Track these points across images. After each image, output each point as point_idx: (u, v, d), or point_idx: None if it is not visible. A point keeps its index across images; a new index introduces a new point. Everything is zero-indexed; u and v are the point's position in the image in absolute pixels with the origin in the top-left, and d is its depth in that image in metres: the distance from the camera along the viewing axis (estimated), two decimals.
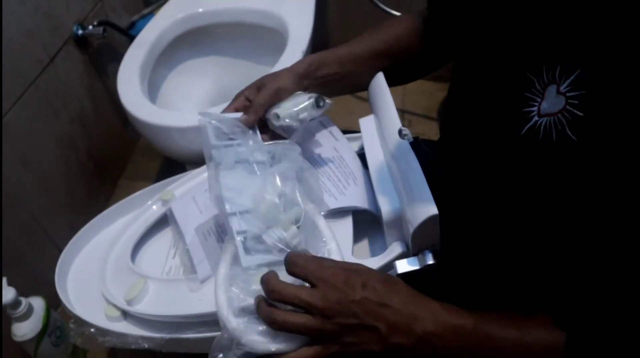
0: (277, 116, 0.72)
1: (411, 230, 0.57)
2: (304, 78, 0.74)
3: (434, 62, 0.85)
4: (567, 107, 0.46)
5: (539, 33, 0.50)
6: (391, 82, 0.79)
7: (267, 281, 0.51)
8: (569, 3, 0.47)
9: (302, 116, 0.72)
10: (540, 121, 0.48)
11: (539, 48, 0.50)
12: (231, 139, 0.71)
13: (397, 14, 1.52)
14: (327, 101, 0.73)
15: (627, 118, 0.42)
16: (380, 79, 0.79)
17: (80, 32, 1.31)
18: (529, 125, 0.50)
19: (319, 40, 1.67)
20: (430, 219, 0.54)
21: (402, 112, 1.81)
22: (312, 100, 0.72)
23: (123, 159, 1.67)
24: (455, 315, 0.51)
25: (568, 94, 0.46)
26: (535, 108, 0.49)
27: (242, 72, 1.41)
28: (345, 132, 0.85)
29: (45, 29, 1.19)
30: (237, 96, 0.76)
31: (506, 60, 0.54)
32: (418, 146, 0.91)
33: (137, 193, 0.89)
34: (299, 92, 0.74)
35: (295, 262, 0.52)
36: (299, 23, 1.21)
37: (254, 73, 1.38)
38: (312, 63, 0.75)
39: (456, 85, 0.69)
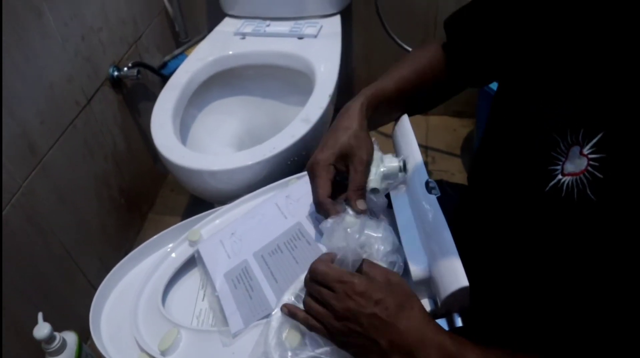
0: (378, 191, 0.69)
1: (441, 298, 0.57)
2: (365, 127, 0.70)
3: (453, 89, 0.86)
4: (589, 168, 0.48)
5: (564, 95, 0.53)
6: (416, 111, 0.81)
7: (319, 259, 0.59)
8: (594, 72, 0.49)
9: (388, 181, 0.70)
10: (564, 179, 0.51)
11: (564, 110, 0.52)
12: None
13: None
14: (409, 164, 0.70)
15: None
16: (405, 123, 0.80)
17: (115, 74, 1.37)
18: (552, 183, 0.52)
19: (345, 77, 1.71)
20: (460, 290, 0.55)
21: (425, 148, 1.83)
22: (400, 163, 0.70)
23: (152, 194, 1.72)
24: (464, 351, 0.52)
25: (590, 156, 0.48)
26: (559, 167, 0.52)
27: (269, 112, 1.45)
28: None
29: (84, 72, 1.25)
30: (322, 168, 0.68)
31: (534, 118, 0.57)
32: (443, 189, 0.93)
33: (165, 231, 0.91)
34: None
35: (316, 269, 0.58)
36: (326, 66, 1.25)
37: (281, 113, 1.44)
38: (363, 107, 0.71)
39: (488, 135, 0.71)
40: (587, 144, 0.49)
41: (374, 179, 0.69)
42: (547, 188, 0.52)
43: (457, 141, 1.85)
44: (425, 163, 1.79)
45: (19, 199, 1.04)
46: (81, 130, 1.26)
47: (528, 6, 0.62)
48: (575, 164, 0.50)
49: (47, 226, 1.13)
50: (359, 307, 0.53)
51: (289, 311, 0.61)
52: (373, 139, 0.71)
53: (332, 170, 0.67)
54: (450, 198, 0.90)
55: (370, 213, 0.68)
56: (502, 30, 0.68)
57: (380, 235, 0.64)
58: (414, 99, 0.79)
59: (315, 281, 0.58)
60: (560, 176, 0.51)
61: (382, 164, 0.70)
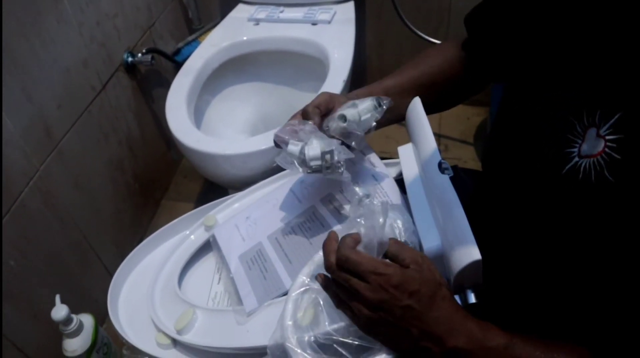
0: (344, 118, 0.71)
1: (453, 272, 0.58)
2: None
3: (473, 88, 0.87)
4: (606, 149, 0.48)
5: (580, 79, 0.53)
6: (432, 110, 0.80)
7: (345, 245, 0.56)
8: (611, 54, 0.49)
9: (365, 117, 0.72)
10: (581, 162, 0.51)
11: (580, 93, 0.52)
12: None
13: (433, 40, 1.53)
14: (385, 100, 0.73)
15: None
16: (417, 105, 0.81)
17: (130, 59, 1.38)
18: (569, 165, 0.52)
19: (358, 64, 1.71)
20: (473, 264, 0.55)
21: (438, 136, 1.82)
22: (373, 101, 0.72)
23: (166, 180, 1.73)
24: (490, 336, 0.53)
25: (607, 138, 0.48)
26: (576, 149, 0.52)
27: (283, 98, 1.45)
28: (382, 158, 0.87)
29: (99, 58, 1.26)
30: (295, 114, 0.78)
31: (549, 102, 0.57)
32: (457, 175, 0.92)
33: (181, 217, 0.92)
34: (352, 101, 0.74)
35: (348, 258, 0.54)
36: (340, 52, 1.25)
37: (295, 99, 1.43)
38: (359, 94, 0.77)
39: (501, 121, 0.71)
40: (604, 125, 0.48)
41: (345, 109, 0.72)
42: (564, 171, 0.52)
43: (470, 129, 1.85)
44: (439, 151, 1.78)
45: (37, 182, 1.05)
46: (96, 115, 1.27)
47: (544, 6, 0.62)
48: (593, 146, 0.49)
49: (63, 210, 1.14)
50: (393, 300, 0.52)
51: (322, 281, 0.60)
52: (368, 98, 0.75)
53: (299, 114, 0.77)
54: (464, 183, 0.90)
55: (342, 138, 0.73)
56: (522, 23, 0.67)
57: (401, 217, 0.65)
58: (426, 99, 0.79)
59: (346, 269, 0.55)
60: (577, 159, 0.51)
61: (357, 105, 0.73)
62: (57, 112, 1.11)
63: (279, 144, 0.72)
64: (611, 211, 0.48)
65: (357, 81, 1.89)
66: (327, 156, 0.68)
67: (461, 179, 0.91)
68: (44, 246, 1.08)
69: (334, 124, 0.72)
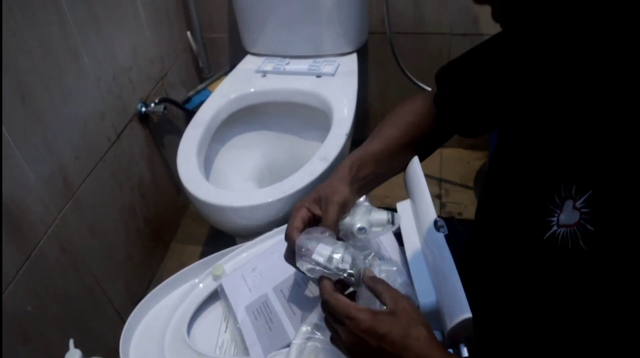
0: (364, 230, 0.73)
1: (447, 328, 0.62)
2: (353, 183, 0.78)
3: (446, 137, 0.91)
4: (581, 221, 0.52)
5: (556, 154, 0.57)
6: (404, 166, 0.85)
7: (323, 289, 0.62)
8: (580, 134, 0.54)
9: (376, 229, 0.74)
10: (559, 230, 0.55)
11: (557, 168, 0.57)
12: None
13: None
14: (397, 219, 0.75)
15: (630, 235, 0.49)
16: (415, 165, 0.86)
17: (143, 109, 1.45)
18: (549, 232, 0.56)
19: (361, 110, 1.77)
20: (464, 321, 0.59)
21: (439, 180, 1.88)
22: (388, 216, 0.74)
23: (175, 223, 1.78)
24: None
25: (582, 210, 0.52)
26: (555, 218, 0.56)
27: (289, 147, 1.51)
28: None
29: (115, 109, 1.33)
30: (298, 209, 0.75)
31: (531, 171, 0.61)
32: (453, 226, 0.97)
33: (191, 266, 0.96)
34: (360, 201, 0.78)
35: (327, 302, 0.61)
36: (342, 106, 1.31)
37: (300, 148, 1.50)
38: (353, 167, 0.79)
39: (491, 176, 0.76)
40: (579, 199, 0.53)
41: (361, 220, 0.74)
42: (545, 237, 0.56)
43: (470, 174, 1.90)
44: (439, 195, 1.84)
45: (54, 231, 1.10)
46: (110, 164, 1.33)
47: (515, 64, 0.67)
48: (569, 217, 0.54)
49: (78, 256, 1.20)
50: (364, 343, 0.57)
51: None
52: (364, 197, 0.78)
53: (306, 212, 0.74)
54: (460, 234, 0.94)
55: (357, 250, 0.71)
56: (492, 83, 0.72)
57: (394, 268, 0.69)
58: (404, 155, 0.84)
59: (327, 312, 0.62)
60: (555, 227, 0.55)
61: (371, 213, 0.75)
62: (74, 163, 1.17)
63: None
64: (586, 277, 0.53)
65: (361, 127, 1.95)
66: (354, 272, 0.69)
67: (457, 230, 0.96)
68: (59, 292, 1.13)
69: (345, 228, 0.74)
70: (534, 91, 0.62)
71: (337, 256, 0.66)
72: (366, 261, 0.71)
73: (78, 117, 1.18)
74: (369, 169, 0.80)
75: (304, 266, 0.66)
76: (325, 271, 0.65)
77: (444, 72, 0.84)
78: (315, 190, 0.77)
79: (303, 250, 0.66)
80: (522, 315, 0.65)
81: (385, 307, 0.59)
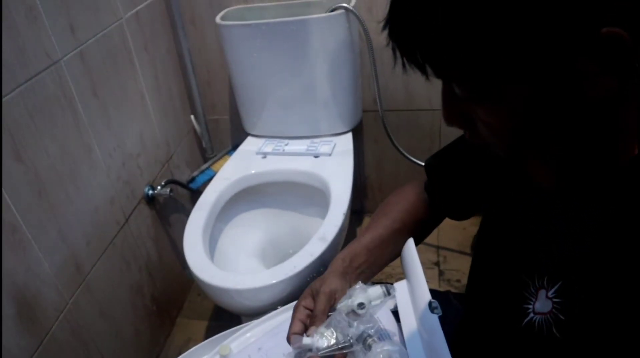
0: (363, 305, 0.78)
1: None
2: (346, 274, 0.83)
3: (438, 222, 0.97)
4: (553, 310, 0.57)
5: (529, 245, 0.63)
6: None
7: None
8: (549, 229, 0.60)
9: (375, 303, 0.80)
10: (535, 317, 0.60)
11: (530, 259, 0.62)
12: None
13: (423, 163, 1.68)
14: (392, 289, 0.81)
15: (598, 324, 0.54)
16: (410, 247, 0.91)
17: (150, 192, 1.52)
18: (527, 319, 0.61)
19: (359, 181, 1.85)
20: None
21: (437, 248, 1.92)
22: (383, 288, 0.80)
23: (181, 299, 1.82)
24: None
25: (554, 300, 0.57)
26: (531, 306, 0.61)
27: (289, 223, 1.57)
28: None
29: (123, 194, 1.40)
30: (296, 309, 0.80)
31: (508, 259, 0.66)
32: (449, 301, 1.02)
33: (198, 346, 0.99)
34: (355, 285, 0.81)
35: None
36: (339, 185, 1.38)
37: (300, 223, 1.56)
38: (345, 259, 0.85)
39: (476, 265, 0.81)
40: (550, 288, 0.58)
41: (358, 298, 0.78)
42: (523, 323, 0.61)
43: (467, 240, 1.94)
44: (437, 263, 1.88)
45: (66, 315, 1.15)
46: (119, 247, 1.39)
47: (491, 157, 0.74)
48: (543, 305, 0.59)
49: (88, 338, 1.24)
50: None
51: None
52: (359, 282, 0.81)
53: (303, 311, 0.79)
54: (457, 311, 0.99)
55: (355, 323, 0.77)
56: (475, 172, 0.80)
57: (397, 348, 0.74)
58: (397, 241, 0.89)
59: None
60: (532, 315, 0.60)
61: (367, 291, 0.80)
62: (86, 249, 1.23)
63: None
64: None
65: (358, 197, 2.02)
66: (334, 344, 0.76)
67: (454, 307, 1.01)
68: None
69: (346, 309, 0.78)
70: (510, 182, 0.68)
71: (317, 339, 0.74)
72: (367, 341, 0.77)
73: (89, 205, 1.25)
74: (362, 258, 0.86)
75: None
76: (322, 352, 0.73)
77: (432, 162, 0.91)
78: (308, 287, 0.82)
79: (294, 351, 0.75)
80: None
81: None
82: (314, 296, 0.80)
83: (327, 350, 0.73)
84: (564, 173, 0.57)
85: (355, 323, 0.76)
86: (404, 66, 0.48)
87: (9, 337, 0.99)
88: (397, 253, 0.92)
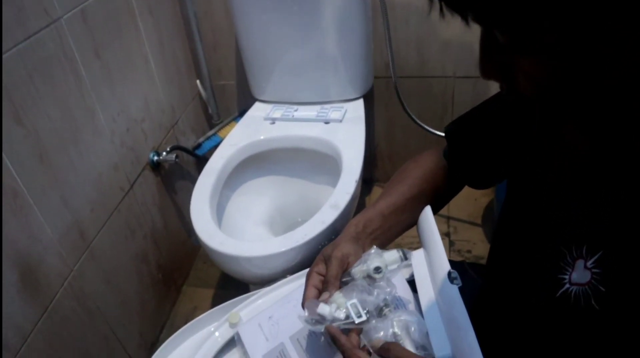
0: (379, 269, 0.75)
1: None
2: (358, 239, 0.80)
3: (457, 190, 0.94)
4: (592, 281, 0.54)
5: (566, 214, 0.59)
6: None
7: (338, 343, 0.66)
8: (590, 191, 0.56)
9: (392, 267, 0.77)
10: (571, 288, 0.56)
11: (567, 228, 0.58)
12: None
13: (437, 132, 1.63)
14: (408, 253, 0.78)
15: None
16: (428, 215, 0.87)
17: (155, 158, 1.48)
18: (562, 290, 0.57)
19: (368, 151, 1.80)
20: None
21: (447, 218, 1.89)
22: (399, 253, 0.77)
23: (187, 267, 1.80)
24: None
25: (593, 270, 0.54)
26: (567, 276, 0.57)
27: (298, 191, 1.54)
28: None
29: (128, 160, 1.36)
30: (309, 276, 0.78)
31: (543, 229, 0.63)
32: (465, 271, 0.98)
33: (206, 313, 0.97)
34: (366, 254, 0.78)
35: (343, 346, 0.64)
36: (351, 152, 1.34)
37: (309, 191, 1.52)
38: (358, 224, 0.81)
39: (503, 225, 0.77)
40: (590, 259, 0.54)
41: (374, 262, 0.75)
42: (558, 294, 0.57)
43: (478, 211, 1.91)
44: (448, 233, 1.85)
45: (70, 282, 1.12)
46: (124, 213, 1.35)
47: (521, 120, 0.69)
48: (581, 276, 0.55)
49: (93, 306, 1.21)
50: None
51: None
52: (373, 247, 0.78)
53: (316, 277, 0.77)
54: (473, 281, 0.96)
55: (375, 291, 0.74)
56: (500, 139, 0.75)
57: (415, 319, 0.71)
58: (413, 208, 0.86)
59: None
60: (568, 285, 0.56)
61: (383, 255, 0.77)
62: (90, 215, 1.20)
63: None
64: (599, 336, 0.54)
65: (367, 167, 1.98)
66: (353, 309, 0.72)
67: (469, 277, 0.97)
68: (75, 342, 1.14)
69: (360, 274, 0.75)
70: (541, 149, 0.64)
71: (334, 310, 0.71)
72: (383, 311, 0.73)
73: (93, 171, 1.22)
74: (376, 224, 0.82)
75: (310, 326, 0.72)
76: (337, 324, 0.70)
77: (453, 128, 0.87)
78: (320, 253, 0.80)
79: (309, 317, 0.71)
80: None
81: None
82: (326, 262, 0.77)
83: (343, 323, 0.70)
84: (600, 138, 0.54)
85: (375, 292, 0.73)
86: (441, 10, 0.43)
87: (13, 305, 0.97)
88: (413, 222, 0.88)
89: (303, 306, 0.74)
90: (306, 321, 0.72)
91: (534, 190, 0.66)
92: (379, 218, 0.83)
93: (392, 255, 0.78)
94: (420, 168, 0.90)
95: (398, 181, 0.90)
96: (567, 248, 0.58)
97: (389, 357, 0.64)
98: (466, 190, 1.99)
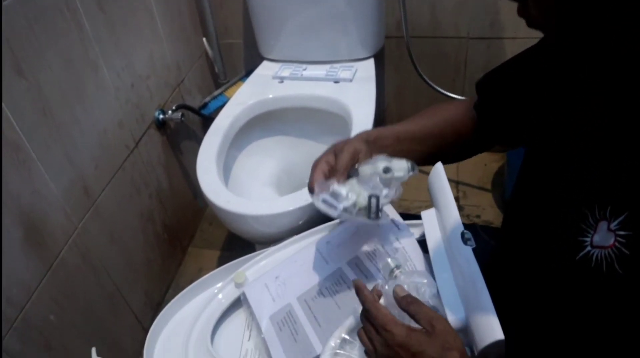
0: (388, 169, 0.74)
1: (477, 348, 0.61)
2: (368, 144, 0.79)
3: (480, 147, 0.91)
4: (616, 244, 0.51)
5: (590, 174, 0.56)
6: (437, 161, 0.84)
7: (366, 299, 0.64)
8: (616, 152, 0.53)
9: (398, 174, 0.75)
10: (593, 251, 0.54)
11: (591, 188, 0.56)
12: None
13: (449, 94, 1.59)
14: (416, 167, 0.76)
15: None
16: (439, 172, 0.85)
17: (161, 117, 1.45)
18: (582, 253, 0.55)
19: (377, 112, 1.76)
20: (496, 343, 0.58)
21: (456, 183, 1.86)
22: (408, 163, 0.76)
23: (192, 227, 1.79)
24: None
25: (617, 233, 0.51)
26: (588, 239, 0.55)
27: (306, 152, 1.50)
28: (406, 217, 0.91)
29: (133, 117, 1.34)
30: (317, 162, 0.79)
31: (564, 190, 0.60)
32: (477, 234, 0.96)
33: (212, 273, 0.96)
34: (376, 156, 0.76)
35: (368, 311, 0.62)
36: (361, 112, 1.30)
37: (317, 152, 1.48)
38: (371, 134, 0.81)
39: (521, 188, 0.75)
40: (614, 220, 0.51)
41: (384, 162, 0.74)
42: (578, 257, 0.55)
43: (487, 176, 1.88)
44: (457, 198, 1.83)
45: (75, 240, 1.11)
46: (129, 171, 1.33)
47: (552, 76, 0.66)
48: (604, 239, 0.52)
49: (98, 263, 1.20)
50: (397, 357, 0.58)
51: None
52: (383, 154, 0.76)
53: (324, 164, 0.78)
54: (486, 244, 0.94)
55: (379, 190, 0.73)
56: (530, 95, 0.72)
57: (425, 280, 0.69)
58: (430, 144, 0.84)
59: (368, 320, 0.63)
60: (589, 248, 0.54)
61: (392, 161, 0.75)
62: (94, 172, 1.18)
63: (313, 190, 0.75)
64: (621, 300, 0.52)
65: (376, 127, 1.94)
66: (373, 200, 0.71)
67: (482, 240, 0.95)
68: (80, 300, 1.14)
69: (369, 170, 0.74)
70: (570, 106, 0.62)
71: (347, 192, 0.71)
72: (394, 273, 0.71)
73: (97, 127, 1.19)
74: (388, 142, 0.82)
75: (322, 204, 0.71)
76: (343, 204, 0.70)
77: (484, 80, 0.84)
78: (331, 146, 0.80)
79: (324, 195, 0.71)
80: (550, 333, 0.64)
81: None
82: (337, 153, 0.77)
83: (356, 211, 0.70)
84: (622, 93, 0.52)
85: (385, 191, 0.72)
86: None
87: (18, 261, 0.96)
88: (423, 158, 0.85)
89: (311, 190, 0.75)
90: (323, 200, 0.71)
91: (556, 151, 0.63)
92: (393, 137, 0.82)
93: (400, 162, 0.76)
94: (447, 111, 0.88)
95: (422, 115, 0.88)
96: (589, 209, 0.55)
97: (408, 309, 0.62)
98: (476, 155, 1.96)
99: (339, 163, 0.75)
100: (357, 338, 0.67)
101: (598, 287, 0.53)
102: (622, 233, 0.51)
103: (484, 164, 1.92)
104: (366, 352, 0.64)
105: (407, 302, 0.63)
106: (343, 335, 0.70)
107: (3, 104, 0.90)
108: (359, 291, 0.66)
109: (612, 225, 0.52)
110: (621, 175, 0.52)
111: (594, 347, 0.57)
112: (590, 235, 0.54)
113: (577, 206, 0.57)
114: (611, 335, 0.54)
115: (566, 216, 0.58)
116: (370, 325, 0.62)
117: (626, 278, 0.50)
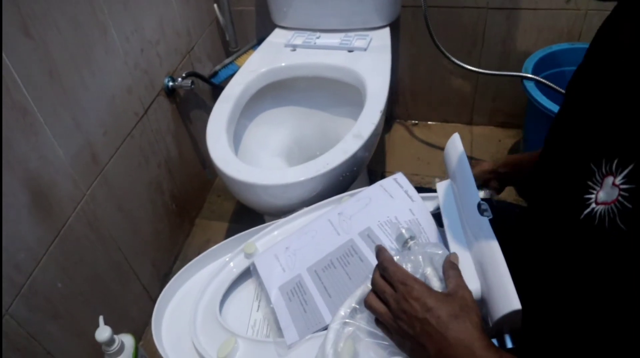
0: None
1: (493, 318, 0.60)
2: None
3: None
4: (619, 198, 0.49)
5: (602, 127, 0.55)
6: None
7: (384, 257, 0.64)
8: (629, 103, 0.51)
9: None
10: (597, 208, 0.52)
11: (601, 141, 0.54)
12: None
13: (465, 65, 1.54)
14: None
15: None
16: (456, 142, 0.83)
17: (170, 84, 1.42)
18: (587, 211, 0.54)
19: (390, 84, 1.73)
20: (512, 313, 0.57)
21: (470, 159, 1.82)
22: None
23: (201, 199, 1.77)
24: None
25: (621, 187, 0.50)
26: (593, 196, 0.53)
27: (318, 122, 1.48)
28: (419, 190, 0.89)
29: (142, 84, 1.31)
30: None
31: (576, 147, 0.59)
32: (492, 208, 0.94)
33: (222, 243, 0.95)
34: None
35: (387, 267, 0.62)
36: (376, 81, 1.26)
37: (330, 123, 1.46)
38: (507, 164, 0.92)
39: (544, 160, 0.73)
40: (619, 174, 0.50)
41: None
42: (582, 216, 0.54)
43: (501, 152, 1.84)
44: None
45: (83, 207, 1.09)
46: (138, 139, 1.31)
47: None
48: (608, 194, 0.51)
49: (106, 232, 1.19)
50: (412, 310, 0.57)
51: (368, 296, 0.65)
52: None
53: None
54: (508, 207, 0.92)
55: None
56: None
57: (440, 252, 0.67)
58: None
59: (383, 277, 0.63)
60: (594, 205, 0.53)
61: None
62: (102, 139, 1.16)
63: None
64: (624, 257, 0.50)
65: (388, 101, 1.91)
66: None
67: (506, 205, 0.93)
68: (88, 268, 1.13)
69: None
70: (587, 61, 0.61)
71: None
72: (408, 244, 0.69)
73: (106, 92, 1.16)
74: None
75: None
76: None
77: None
78: None
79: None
80: (559, 298, 0.62)
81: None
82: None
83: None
84: None
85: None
86: None
87: (25, 227, 0.94)
88: None
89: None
90: None
91: (572, 106, 0.62)
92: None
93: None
94: None
95: None
96: (597, 165, 0.54)
97: (448, 272, 0.63)
98: (490, 130, 1.93)
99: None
100: None
101: (602, 246, 0.52)
102: (625, 186, 0.49)
103: (497, 140, 1.88)
104: (376, 320, 0.63)
105: (451, 265, 0.64)
106: (353, 305, 0.68)
107: (9, 64, 0.88)
108: (380, 251, 0.65)
109: (617, 180, 0.50)
110: (631, 126, 0.50)
111: (597, 310, 0.55)
112: (595, 192, 0.53)
113: (585, 163, 0.56)
114: (615, 296, 0.52)
115: (574, 174, 0.57)
116: (386, 283, 0.62)
117: (628, 233, 0.48)
